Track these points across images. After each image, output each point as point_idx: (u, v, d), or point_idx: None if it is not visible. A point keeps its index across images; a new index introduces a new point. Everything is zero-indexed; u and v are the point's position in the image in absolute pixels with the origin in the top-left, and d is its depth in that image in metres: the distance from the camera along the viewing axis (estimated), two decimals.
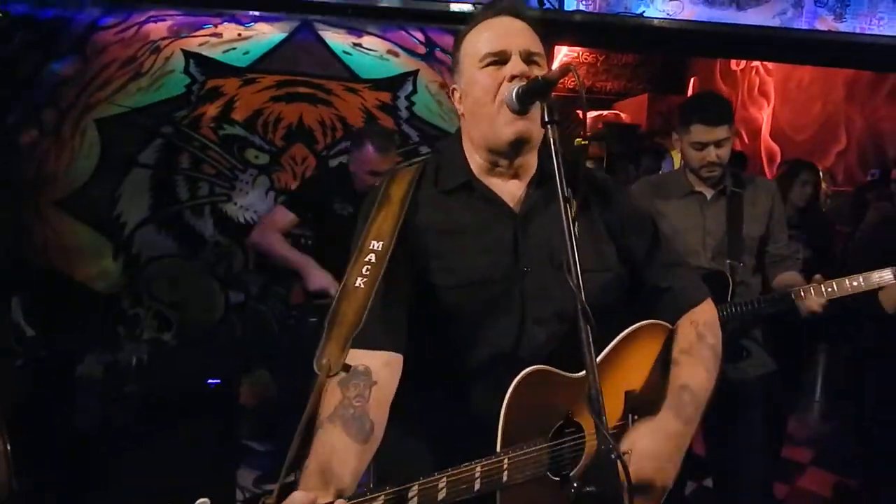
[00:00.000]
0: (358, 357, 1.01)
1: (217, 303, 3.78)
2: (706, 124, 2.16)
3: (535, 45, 1.17)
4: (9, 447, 1.28)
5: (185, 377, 3.09)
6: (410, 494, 0.89)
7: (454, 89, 1.24)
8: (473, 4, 3.57)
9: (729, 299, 2.19)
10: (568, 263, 0.94)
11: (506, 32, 1.16)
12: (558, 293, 1.14)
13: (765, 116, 6.55)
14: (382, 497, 0.87)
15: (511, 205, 1.19)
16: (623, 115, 7.54)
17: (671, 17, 3.84)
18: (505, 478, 0.99)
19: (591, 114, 7.59)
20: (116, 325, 3.64)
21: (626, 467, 0.84)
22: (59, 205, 3.65)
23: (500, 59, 1.14)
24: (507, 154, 1.17)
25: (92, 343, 3.27)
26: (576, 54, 7.82)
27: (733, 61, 7.04)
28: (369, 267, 1.04)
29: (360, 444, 0.97)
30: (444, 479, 0.92)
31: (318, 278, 2.83)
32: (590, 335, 0.91)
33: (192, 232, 3.73)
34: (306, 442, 0.94)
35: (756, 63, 6.71)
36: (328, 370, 0.94)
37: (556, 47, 5.75)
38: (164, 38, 3.65)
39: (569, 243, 0.95)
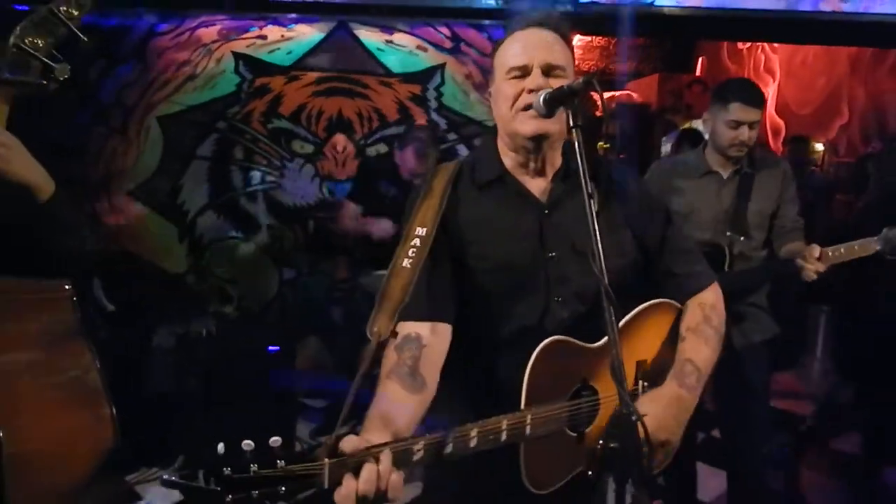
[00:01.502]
0: (409, 327, 1.09)
1: (272, 279, 3.89)
2: (746, 104, 2.12)
3: (558, 56, 1.18)
4: (114, 410, 1.37)
5: (247, 345, 3.21)
6: (447, 441, 0.94)
7: (490, 94, 1.28)
8: (496, 1, 3.55)
9: (725, 270, 2.19)
10: (592, 251, 0.99)
11: (530, 47, 1.17)
12: (578, 276, 1.19)
13: (770, 92, 6.37)
14: (423, 442, 0.92)
15: (538, 197, 1.24)
16: (635, 94, 7.41)
17: (680, 6, 3.76)
18: (528, 431, 1.04)
19: (605, 94, 7.47)
20: (184, 300, 3.78)
21: (645, 427, 0.90)
22: (130, 195, 3.78)
23: (522, 72, 1.16)
24: (530, 150, 1.21)
25: (164, 317, 3.40)
26: (590, 38, 7.67)
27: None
28: (415, 249, 1.09)
29: (415, 395, 1.05)
30: (476, 429, 0.97)
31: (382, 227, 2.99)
32: (613, 314, 0.96)
33: (248, 216, 3.83)
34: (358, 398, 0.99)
35: None
36: (379, 336, 1.02)
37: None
38: (214, 42, 3.71)
39: (592, 235, 1.00)
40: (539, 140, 1.18)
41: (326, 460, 0.82)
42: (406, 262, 1.08)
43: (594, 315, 1.13)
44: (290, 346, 3.37)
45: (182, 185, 3.78)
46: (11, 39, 1.26)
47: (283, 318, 3.84)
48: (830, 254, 2.10)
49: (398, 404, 1.03)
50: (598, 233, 1.00)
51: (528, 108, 1.15)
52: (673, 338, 1.28)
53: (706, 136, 2.39)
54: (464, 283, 1.19)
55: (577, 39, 7.66)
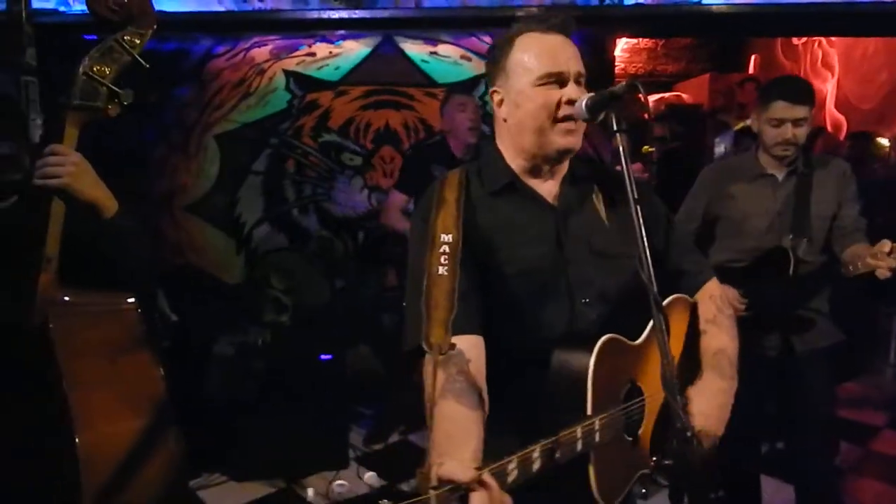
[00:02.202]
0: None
1: (323, 288, 3.96)
2: (787, 101, 2.05)
3: (582, 66, 1.17)
4: (174, 418, 1.43)
5: (301, 353, 3.28)
6: (535, 456, 0.91)
7: (495, 92, 1.21)
8: (538, 7, 3.53)
9: (791, 274, 2.11)
10: (640, 260, 0.97)
11: (562, 54, 1.14)
12: (599, 277, 1.19)
13: (829, 88, 6.10)
14: (516, 460, 0.89)
15: (549, 200, 1.22)
16: (684, 95, 7.21)
17: (729, 3, 3.65)
18: (598, 438, 1.01)
19: (653, 97, 7.31)
20: (242, 310, 3.89)
21: (699, 442, 0.87)
22: (189, 210, 3.94)
23: (558, 80, 1.14)
24: (552, 161, 1.20)
25: (223, 326, 3.51)
26: (636, 41, 7.53)
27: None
28: (446, 256, 1.06)
29: (474, 411, 1.00)
30: (557, 440, 0.94)
31: None
32: (663, 324, 0.93)
33: (300, 228, 3.93)
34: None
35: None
36: (439, 349, 0.96)
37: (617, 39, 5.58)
38: (266, 61, 3.83)
39: (640, 244, 0.98)
40: (566, 153, 1.18)
41: (432, 493, 0.78)
42: (441, 270, 1.05)
43: (620, 315, 1.13)
44: (341, 353, 3.42)
45: (238, 199, 3.91)
46: (80, 69, 1.35)
47: (334, 326, 3.91)
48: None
49: (461, 423, 0.98)
50: (645, 239, 0.97)
51: (567, 118, 1.13)
52: (692, 331, 1.29)
53: (730, 140, 2.33)
54: (489, 294, 1.16)
55: (624, 42, 7.53)
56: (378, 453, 3.22)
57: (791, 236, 2.12)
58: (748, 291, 2.11)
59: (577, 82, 1.14)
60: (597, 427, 1.01)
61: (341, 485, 0.78)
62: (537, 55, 1.15)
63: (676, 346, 1.27)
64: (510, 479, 0.87)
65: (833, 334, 2.21)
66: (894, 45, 5.21)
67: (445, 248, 1.07)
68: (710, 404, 1.17)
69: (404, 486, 2.85)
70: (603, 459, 1.04)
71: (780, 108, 2.06)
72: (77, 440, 1.29)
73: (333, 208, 3.90)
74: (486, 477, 0.82)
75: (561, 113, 1.13)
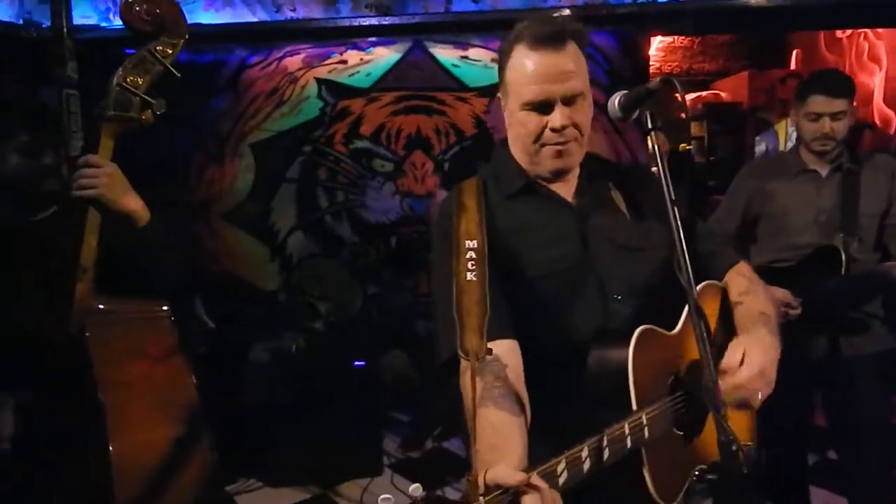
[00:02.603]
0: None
1: (356, 294, 3.97)
2: (824, 94, 2.01)
3: (576, 82, 1.11)
4: (208, 425, 1.44)
5: (335, 359, 3.29)
6: (584, 455, 0.89)
7: (500, 97, 1.23)
8: (569, 7, 3.49)
9: (843, 274, 2.03)
10: (678, 262, 0.93)
11: (547, 78, 1.10)
12: (627, 272, 1.17)
13: (876, 82, 5.85)
14: (564, 461, 0.87)
15: (567, 199, 1.21)
16: (723, 93, 7.03)
17: None
18: (646, 434, 0.98)
19: (690, 95, 7.15)
20: (277, 316, 3.94)
21: (746, 456, 0.83)
22: (225, 218, 4.00)
23: (541, 108, 1.11)
24: (547, 179, 1.21)
25: (259, 332, 3.56)
26: (671, 39, 7.38)
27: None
28: (473, 262, 1.04)
29: (516, 417, 0.97)
30: (605, 438, 0.92)
31: None
32: (703, 329, 0.89)
33: (333, 234, 3.95)
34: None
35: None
36: (476, 356, 0.95)
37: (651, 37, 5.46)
38: (299, 69, 3.87)
39: (678, 244, 0.95)
40: (564, 173, 1.18)
41: (482, 498, 0.77)
42: (470, 276, 1.02)
43: (653, 307, 1.11)
44: (374, 359, 3.43)
45: (273, 207, 3.96)
46: (114, 80, 1.37)
47: (367, 333, 3.92)
48: None
49: (503, 430, 0.96)
50: (683, 241, 0.93)
51: (550, 143, 1.13)
52: (724, 314, 1.26)
53: (773, 139, 2.27)
54: (518, 297, 1.14)
55: (659, 40, 7.40)
56: (412, 460, 3.21)
57: (842, 235, 2.04)
58: (798, 292, 2.03)
59: (567, 103, 1.10)
60: (644, 422, 0.98)
61: (386, 499, 0.76)
62: (522, 78, 1.12)
63: (711, 333, 1.24)
64: (561, 480, 0.85)
65: (887, 340, 2.11)
66: None
67: (472, 253, 1.05)
68: (766, 358, 1.12)
69: (439, 493, 2.83)
70: (656, 457, 1.00)
71: (818, 102, 2.01)
72: (111, 447, 1.31)
73: (366, 214, 3.92)
74: (535, 479, 0.81)
75: (544, 139, 1.13)
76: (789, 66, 7.13)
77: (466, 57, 3.78)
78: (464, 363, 0.97)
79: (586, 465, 0.88)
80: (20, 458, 1.43)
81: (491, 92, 3.76)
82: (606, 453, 0.90)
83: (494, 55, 3.75)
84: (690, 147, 3.26)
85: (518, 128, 1.16)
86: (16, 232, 1.45)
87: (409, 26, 3.65)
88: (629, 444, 0.94)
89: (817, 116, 2.03)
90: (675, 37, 7.34)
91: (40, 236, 1.46)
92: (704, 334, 0.89)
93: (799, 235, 2.12)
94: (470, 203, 1.14)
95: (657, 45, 7.47)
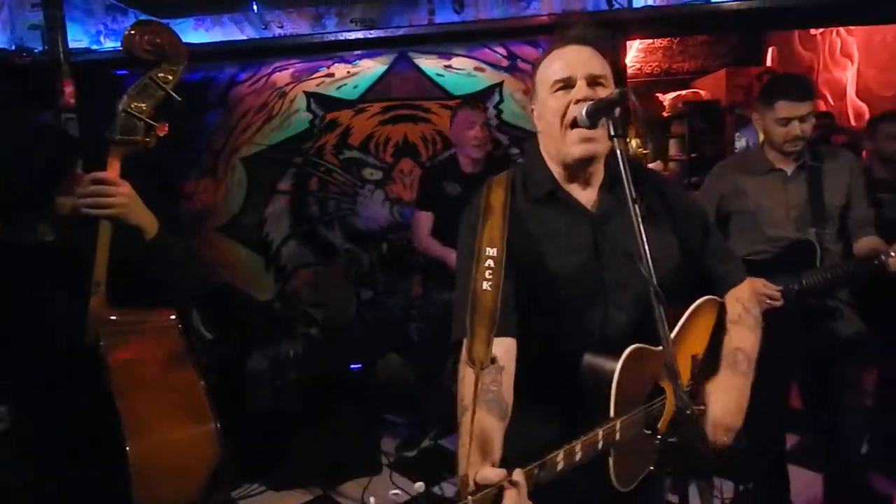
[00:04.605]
0: None
1: (351, 300, 4.06)
2: (790, 100, 2.11)
3: (599, 68, 1.24)
4: (218, 425, 1.52)
5: (332, 364, 3.37)
6: (559, 458, 0.99)
7: (532, 109, 1.33)
8: (548, 16, 3.61)
9: (818, 265, 2.14)
10: (639, 254, 1.03)
11: (572, 60, 1.23)
12: (634, 283, 1.22)
13: (849, 76, 6.02)
14: (539, 463, 0.97)
15: (589, 208, 1.28)
16: (702, 92, 7.19)
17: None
18: (618, 437, 1.10)
19: (670, 94, 7.29)
20: (274, 324, 4.02)
21: (698, 419, 0.94)
22: (220, 230, 4.09)
23: (567, 84, 1.21)
24: (577, 168, 1.26)
25: (257, 341, 3.62)
26: (651, 40, 7.53)
27: None
28: (490, 271, 1.12)
29: (501, 422, 1.09)
30: (580, 444, 1.02)
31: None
32: (663, 314, 1.00)
33: (326, 242, 4.04)
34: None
35: None
36: (481, 364, 1.05)
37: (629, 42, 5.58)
38: (288, 84, 3.97)
39: (639, 237, 1.04)
40: (587, 161, 1.23)
41: (470, 497, 0.86)
42: (486, 286, 1.11)
43: (652, 318, 1.15)
44: (371, 363, 3.51)
45: (266, 219, 4.05)
46: (120, 106, 1.47)
47: (363, 337, 4.01)
48: None
49: (489, 432, 1.06)
50: (644, 235, 1.04)
51: (575, 124, 1.20)
52: (718, 331, 1.35)
53: (755, 136, 2.38)
54: (527, 296, 1.22)
55: (638, 42, 7.54)
56: (410, 459, 3.30)
57: (814, 229, 2.16)
58: (777, 283, 2.14)
59: (591, 84, 1.21)
60: (617, 428, 1.09)
61: (395, 494, 0.84)
62: (552, 67, 1.25)
63: (702, 344, 1.33)
64: (534, 480, 0.96)
65: (855, 323, 2.22)
66: None
67: (490, 262, 1.13)
68: (726, 398, 1.23)
69: (436, 490, 2.92)
70: (621, 452, 1.12)
71: (786, 108, 2.12)
72: (128, 449, 1.39)
73: (357, 222, 4.01)
74: (517, 475, 0.91)
75: (569, 114, 1.20)
76: (765, 63, 7.30)
77: (450, 66, 3.89)
78: (468, 368, 1.07)
79: (560, 466, 0.99)
80: (37, 464, 1.51)
81: (475, 99, 3.86)
82: (579, 455, 1.02)
83: (478, 64, 3.87)
84: (647, 152, 3.38)
85: (548, 114, 1.24)
86: (34, 248, 1.53)
87: (394, 39, 3.75)
88: (601, 446, 1.06)
89: (787, 121, 2.13)
90: (655, 38, 7.49)
91: (56, 252, 1.54)
92: (663, 317, 1.00)
93: (773, 230, 2.23)
94: (496, 203, 1.22)
95: (637, 47, 7.62)
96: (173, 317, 1.54)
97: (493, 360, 1.07)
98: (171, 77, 1.51)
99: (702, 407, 1.03)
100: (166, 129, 1.51)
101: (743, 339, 1.31)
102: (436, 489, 2.92)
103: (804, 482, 2.67)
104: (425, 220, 3.21)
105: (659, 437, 1.07)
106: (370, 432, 3.23)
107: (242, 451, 2.92)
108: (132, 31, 1.49)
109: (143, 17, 3.61)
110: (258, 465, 3.07)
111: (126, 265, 1.45)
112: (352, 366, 3.28)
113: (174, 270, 1.52)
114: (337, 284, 4.05)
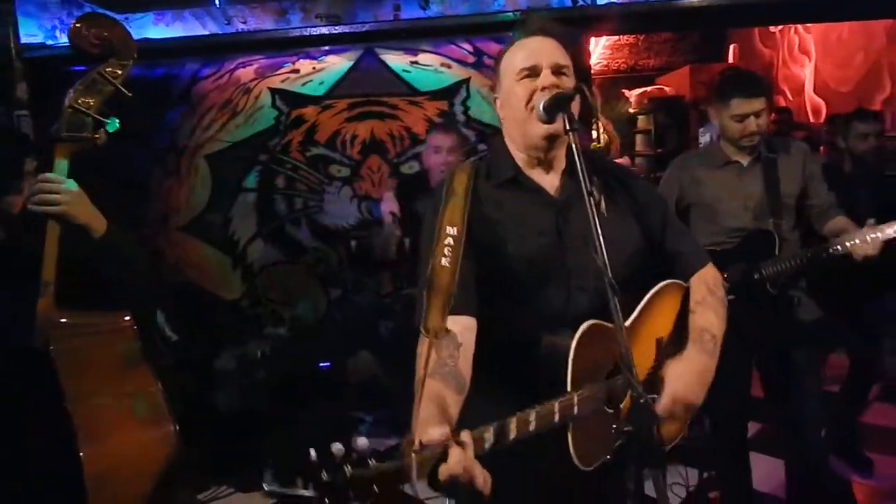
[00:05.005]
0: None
1: (320, 298, 4.00)
2: (745, 97, 2.16)
3: (563, 58, 1.28)
4: (176, 427, 1.49)
5: (301, 363, 3.34)
6: (511, 426, 1.00)
7: (496, 99, 1.36)
8: (513, 12, 3.61)
9: (776, 255, 2.19)
10: (594, 245, 1.04)
11: (537, 50, 1.27)
12: (595, 265, 1.23)
13: (807, 73, 6.18)
14: (492, 428, 0.98)
15: (551, 193, 1.30)
16: (667, 88, 7.30)
17: None
18: (576, 411, 1.10)
19: (636, 91, 7.39)
20: (241, 324, 3.95)
21: (651, 408, 0.94)
22: (185, 230, 3.99)
23: (533, 72, 1.25)
24: (542, 149, 1.28)
25: (224, 341, 3.57)
26: (617, 37, 7.61)
27: None
28: (450, 248, 1.16)
29: (457, 395, 1.09)
30: (534, 413, 1.03)
31: None
32: (617, 305, 1.00)
33: (293, 241, 3.98)
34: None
35: None
36: (435, 333, 1.07)
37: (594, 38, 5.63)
38: (252, 80, 3.89)
39: (594, 230, 1.05)
40: (552, 140, 1.26)
41: (413, 455, 0.86)
42: (444, 262, 1.15)
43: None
44: (341, 361, 3.48)
45: (232, 217, 3.97)
46: (66, 102, 1.42)
47: (333, 335, 3.96)
48: (879, 234, 2.06)
49: (446, 400, 1.06)
50: (599, 227, 1.06)
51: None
52: (683, 313, 1.36)
53: (717, 130, 2.41)
54: (492, 278, 1.25)
55: (605, 38, 7.61)
56: (381, 455, 3.28)
57: (772, 219, 2.20)
58: (735, 273, 2.18)
59: (556, 73, 1.25)
60: (575, 402, 1.09)
61: (363, 440, 0.82)
62: (517, 56, 1.29)
63: (667, 328, 1.34)
64: (486, 444, 0.96)
65: (813, 310, 2.28)
66: (868, 29, 5.30)
67: (450, 240, 1.17)
68: (687, 370, 1.24)
69: (406, 489, 2.91)
70: (581, 427, 1.12)
71: (741, 104, 2.16)
72: (81, 454, 1.35)
73: (325, 220, 3.96)
74: (465, 436, 0.91)
75: (535, 100, 1.23)
76: (727, 59, 7.45)
77: (417, 62, 3.86)
78: (423, 338, 1.08)
79: (513, 434, 0.99)
80: None
81: (442, 95, 3.86)
82: (533, 425, 1.02)
83: (444, 60, 3.85)
84: (600, 145, 3.42)
85: (513, 101, 1.27)
86: None
87: (360, 34, 3.71)
88: (557, 419, 1.06)
89: (742, 117, 2.18)
90: (621, 35, 7.58)
91: (5, 252, 1.49)
92: (617, 307, 1.00)
93: (731, 221, 2.27)
94: (459, 189, 1.25)
95: (604, 44, 7.71)
96: (127, 318, 1.50)
97: (448, 332, 1.09)
98: (119, 72, 1.47)
99: (655, 396, 1.03)
100: (116, 125, 1.46)
101: (709, 319, 1.32)
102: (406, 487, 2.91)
103: (766, 468, 2.73)
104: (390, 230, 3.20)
105: (614, 426, 1.08)
106: (341, 431, 3.20)
107: (209, 452, 2.89)
108: (78, 24, 1.45)
109: (101, 12, 3.50)
110: (225, 466, 3.03)
111: (77, 265, 1.40)
112: (321, 364, 3.25)
113: (126, 269, 1.48)
114: (305, 283, 4.00)
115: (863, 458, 2.96)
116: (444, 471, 0.88)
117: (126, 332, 1.49)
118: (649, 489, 1.05)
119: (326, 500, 0.78)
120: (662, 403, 1.18)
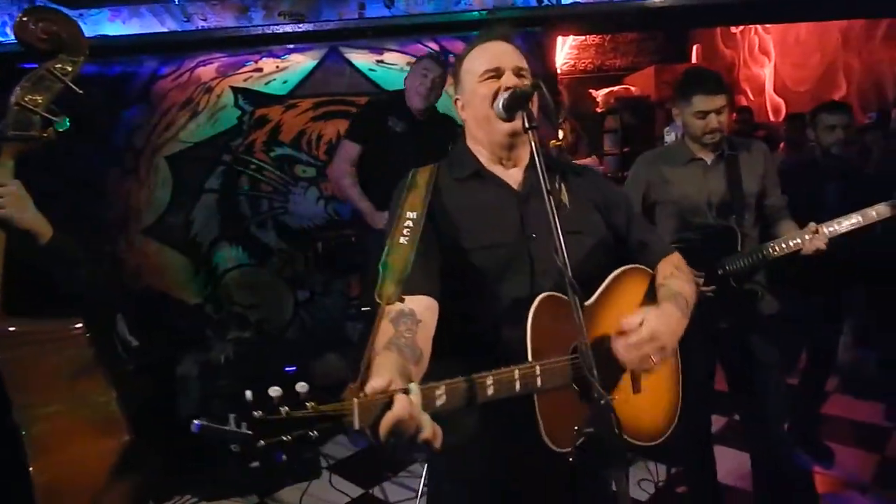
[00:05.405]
0: (405, 301, 1.12)
1: (287, 301, 3.97)
2: (706, 94, 2.19)
3: (523, 62, 1.32)
4: (132, 436, 1.45)
5: (266, 367, 3.27)
6: (464, 387, 0.97)
7: (457, 100, 1.38)
8: (479, 11, 3.62)
9: (739, 250, 2.23)
10: (555, 246, 1.04)
11: (499, 53, 1.31)
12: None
13: (767, 73, 6.35)
14: (444, 386, 0.96)
15: (514, 187, 1.33)
16: (633, 88, 7.41)
17: None
18: (539, 383, 1.08)
19: (603, 90, 7.49)
20: (205, 329, 3.88)
21: (615, 414, 0.94)
22: (145, 233, 3.90)
23: (496, 74, 1.28)
24: (506, 146, 1.31)
25: (187, 346, 3.48)
26: (583, 37, 7.70)
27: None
28: (408, 229, 1.17)
29: (412, 365, 1.06)
30: (491, 377, 1.01)
31: (380, 219, 2.90)
32: (578, 303, 1.01)
33: (259, 243, 3.93)
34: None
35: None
36: (388, 300, 1.06)
37: (560, 37, 5.69)
38: (213, 79, 3.83)
39: (555, 230, 1.05)
40: (515, 136, 1.28)
41: (356, 400, 0.82)
42: (402, 240, 1.16)
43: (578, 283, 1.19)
44: (308, 364, 3.44)
45: (194, 219, 3.90)
46: (13, 99, 1.36)
47: (301, 339, 3.92)
48: (826, 230, 2.13)
49: (398, 371, 1.02)
50: (559, 227, 1.06)
51: None
52: (650, 298, 1.36)
53: (680, 129, 2.44)
54: (456, 266, 1.26)
55: (572, 38, 7.70)
56: (349, 460, 3.25)
57: (734, 216, 2.24)
58: (699, 268, 2.21)
59: (517, 75, 1.28)
60: (537, 372, 1.08)
61: (303, 385, 0.78)
62: (480, 59, 1.32)
63: (630, 311, 1.31)
64: (438, 402, 0.95)
65: (772, 304, 2.33)
66: (823, 30, 5.46)
67: (409, 222, 1.19)
68: (664, 315, 1.25)
69: (377, 492, 2.89)
70: (550, 404, 1.11)
71: (702, 101, 2.20)
72: (31, 468, 1.30)
73: (291, 221, 3.92)
74: (414, 387, 0.89)
75: (498, 99, 1.25)
76: (691, 59, 7.60)
77: (382, 61, 3.85)
78: (380, 309, 1.07)
79: (466, 396, 0.98)
80: None
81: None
82: (491, 390, 1.00)
83: (410, 59, 3.84)
84: (560, 143, 3.45)
85: (476, 101, 1.30)
86: None
87: (324, 33, 3.68)
88: (518, 387, 1.05)
89: (704, 114, 2.21)
90: (588, 35, 7.67)
91: None
92: (579, 307, 1.00)
93: (695, 217, 2.31)
94: (421, 182, 1.28)
95: (571, 44, 7.79)
96: (79, 325, 1.45)
97: (402, 300, 1.08)
98: (70, 68, 1.42)
99: (614, 398, 1.03)
100: (66, 123, 1.41)
101: (680, 285, 1.34)
102: (376, 490, 2.89)
103: (732, 462, 2.79)
104: (350, 148, 3.02)
105: (576, 428, 1.07)
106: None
107: (172, 461, 2.81)
108: (24, 18, 1.39)
109: (51, 6, 3.39)
110: (189, 475, 2.95)
111: (25, 272, 1.35)
112: (286, 368, 3.19)
113: (74, 277, 1.43)
114: (271, 285, 3.95)
115: (823, 448, 3.05)
116: (388, 417, 0.84)
117: (77, 339, 1.44)
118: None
119: (261, 441, 0.75)
120: (638, 334, 1.18)
